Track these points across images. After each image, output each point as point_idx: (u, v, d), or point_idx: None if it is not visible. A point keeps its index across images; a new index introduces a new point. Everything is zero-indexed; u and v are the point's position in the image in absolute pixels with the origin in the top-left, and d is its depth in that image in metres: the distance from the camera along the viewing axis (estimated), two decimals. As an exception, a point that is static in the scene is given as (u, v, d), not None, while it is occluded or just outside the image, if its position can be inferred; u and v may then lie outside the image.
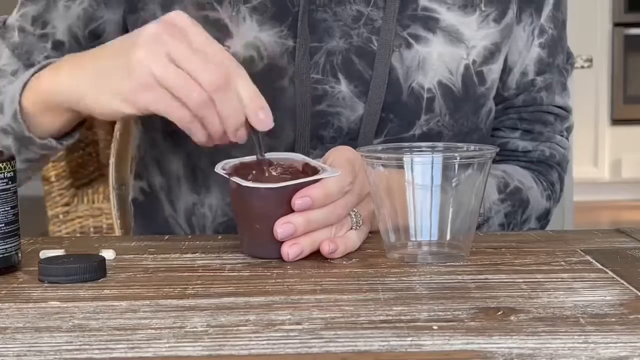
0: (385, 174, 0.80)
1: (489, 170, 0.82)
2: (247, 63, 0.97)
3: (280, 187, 0.81)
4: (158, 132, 1.06)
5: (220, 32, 0.98)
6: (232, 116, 0.84)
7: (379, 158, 0.80)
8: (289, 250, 0.80)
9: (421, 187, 0.79)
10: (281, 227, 0.80)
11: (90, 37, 1.05)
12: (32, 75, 0.96)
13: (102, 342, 0.60)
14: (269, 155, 0.87)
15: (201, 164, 1.03)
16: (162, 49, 0.84)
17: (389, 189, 0.80)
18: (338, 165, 0.83)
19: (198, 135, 0.86)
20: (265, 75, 0.97)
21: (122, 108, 0.87)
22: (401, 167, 0.80)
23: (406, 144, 0.86)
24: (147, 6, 1.01)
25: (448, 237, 0.81)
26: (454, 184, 0.79)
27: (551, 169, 1.12)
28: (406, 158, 0.80)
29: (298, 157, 0.87)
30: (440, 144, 0.87)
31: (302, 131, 0.98)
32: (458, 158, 0.79)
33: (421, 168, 0.79)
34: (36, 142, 0.96)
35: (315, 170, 0.84)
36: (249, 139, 0.87)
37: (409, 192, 0.80)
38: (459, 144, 0.85)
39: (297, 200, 0.80)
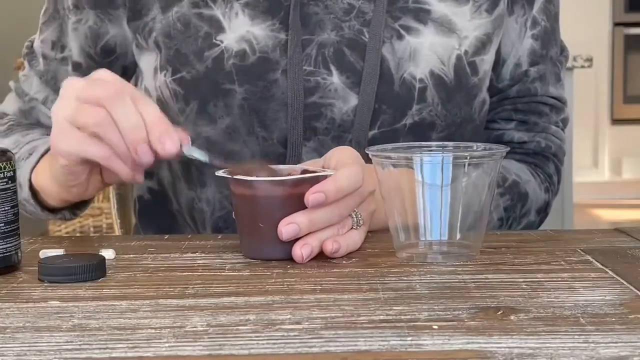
0: (395, 173, 0.80)
1: (499, 170, 0.82)
2: (239, 56, 0.99)
3: (289, 179, 0.81)
4: None
5: (213, 27, 1.01)
6: (131, 130, 0.82)
7: (389, 157, 0.80)
8: (303, 251, 0.80)
9: (431, 187, 0.79)
10: (285, 227, 0.80)
11: (103, 53, 1.08)
12: (38, 159, 0.99)
13: (102, 342, 0.60)
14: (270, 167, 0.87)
15: (195, 161, 1.03)
16: (72, 94, 0.84)
17: (399, 189, 0.80)
18: (345, 164, 0.83)
19: (121, 170, 0.85)
20: (257, 68, 0.99)
21: (62, 162, 0.86)
22: (411, 166, 0.80)
23: (416, 143, 0.86)
24: (150, 11, 1.03)
25: (458, 237, 0.81)
26: (464, 184, 0.79)
27: (548, 161, 1.13)
28: (416, 157, 0.80)
29: (296, 167, 0.87)
30: (450, 143, 0.86)
31: (295, 123, 0.99)
32: (468, 157, 0.79)
33: (431, 167, 0.79)
34: (51, 217, 1.03)
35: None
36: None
37: (418, 191, 0.80)
38: (469, 143, 0.85)
39: (311, 196, 0.79)
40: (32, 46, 1.12)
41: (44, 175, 0.96)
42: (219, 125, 1.00)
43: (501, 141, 1.10)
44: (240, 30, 1.00)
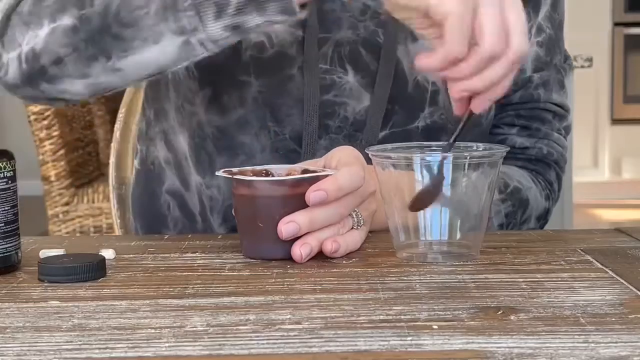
0: (395, 173, 0.80)
1: (499, 170, 0.82)
2: (257, 49, 0.99)
3: (289, 179, 0.81)
4: (171, 105, 1.07)
5: None
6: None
7: (389, 157, 0.80)
8: (302, 250, 0.80)
9: None
10: (285, 226, 0.80)
11: None
12: None
13: (102, 342, 0.60)
14: (267, 167, 0.87)
15: (207, 147, 1.03)
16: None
17: (399, 189, 0.80)
18: (347, 163, 0.83)
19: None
20: (275, 62, 0.99)
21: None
22: (411, 166, 0.80)
23: (416, 143, 0.87)
24: None
25: (458, 237, 0.81)
26: (463, 184, 0.79)
27: (549, 168, 1.12)
28: (416, 157, 0.80)
29: (296, 167, 0.87)
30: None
31: (310, 120, 0.99)
32: (468, 158, 0.79)
33: (431, 167, 0.79)
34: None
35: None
36: None
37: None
38: (469, 143, 0.85)
39: (312, 193, 0.79)
40: None
41: None
42: (232, 116, 1.00)
43: None
44: None
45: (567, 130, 1.15)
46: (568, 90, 1.16)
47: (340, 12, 1.01)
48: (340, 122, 1.00)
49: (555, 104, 1.12)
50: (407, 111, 1.01)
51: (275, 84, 0.99)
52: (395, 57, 1.00)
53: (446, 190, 0.79)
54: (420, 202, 0.79)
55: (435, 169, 0.79)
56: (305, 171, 0.84)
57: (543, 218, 1.11)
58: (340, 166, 0.83)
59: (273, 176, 0.85)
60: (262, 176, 0.84)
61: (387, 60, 1.00)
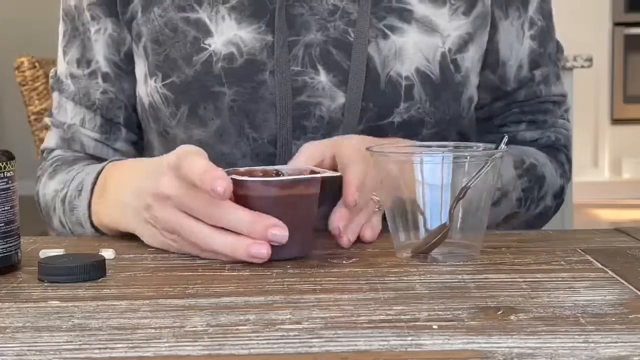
0: (395, 173, 0.80)
1: (499, 170, 0.82)
2: (228, 59, 1.01)
3: (286, 180, 0.81)
4: (154, 134, 1.08)
5: (200, 31, 1.02)
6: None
7: (389, 157, 0.81)
8: (350, 238, 0.86)
9: (431, 187, 0.79)
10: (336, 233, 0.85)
11: (127, 59, 1.08)
12: (91, 189, 0.98)
13: (102, 342, 0.60)
14: (278, 167, 0.87)
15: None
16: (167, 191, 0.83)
17: (399, 188, 0.80)
18: (355, 162, 0.87)
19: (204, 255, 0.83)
20: (245, 70, 1.01)
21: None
22: (411, 166, 0.80)
23: (417, 143, 0.87)
24: (137, 13, 1.05)
25: (458, 237, 0.81)
26: (463, 183, 0.79)
27: (559, 152, 1.16)
28: (416, 157, 0.80)
29: (304, 167, 0.87)
30: (450, 143, 0.87)
31: (284, 122, 1.00)
32: (468, 158, 0.79)
33: (431, 167, 0.79)
34: (108, 234, 0.98)
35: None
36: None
37: (418, 191, 0.80)
38: (469, 143, 0.85)
39: (349, 198, 0.84)
40: (56, 74, 1.12)
41: (104, 217, 0.96)
42: (210, 127, 1.01)
43: (514, 142, 1.13)
44: (228, 34, 1.02)
45: (567, 112, 1.20)
46: (567, 89, 1.19)
47: (308, 15, 1.02)
48: (316, 121, 1.02)
49: (555, 95, 1.15)
50: (381, 107, 1.02)
51: (248, 91, 1.00)
52: (366, 54, 1.01)
53: (446, 190, 0.79)
54: (425, 249, 0.80)
55: (435, 169, 0.79)
56: (312, 172, 0.85)
57: (559, 196, 1.13)
58: (352, 164, 0.87)
59: (278, 174, 0.85)
60: (272, 176, 0.85)
61: (358, 57, 1.01)
